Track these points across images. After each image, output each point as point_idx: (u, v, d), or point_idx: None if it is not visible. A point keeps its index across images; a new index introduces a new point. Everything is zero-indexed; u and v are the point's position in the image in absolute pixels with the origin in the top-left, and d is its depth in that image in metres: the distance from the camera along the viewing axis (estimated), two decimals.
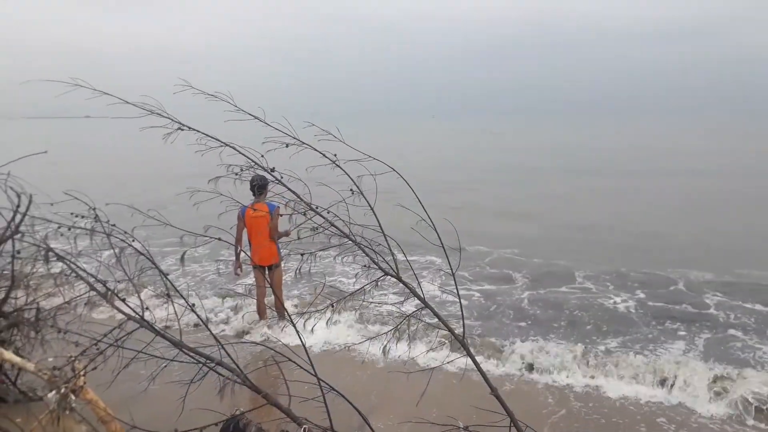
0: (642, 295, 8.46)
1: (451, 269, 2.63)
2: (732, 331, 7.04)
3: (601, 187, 20.85)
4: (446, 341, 6.17)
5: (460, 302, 2.79)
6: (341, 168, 2.68)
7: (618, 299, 8.27)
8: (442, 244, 2.68)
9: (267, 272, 6.65)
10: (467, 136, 57.76)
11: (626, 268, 9.90)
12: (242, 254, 6.65)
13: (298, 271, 2.76)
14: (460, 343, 2.71)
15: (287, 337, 6.26)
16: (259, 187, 6.17)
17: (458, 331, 2.87)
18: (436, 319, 2.69)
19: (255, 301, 6.99)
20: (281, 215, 5.91)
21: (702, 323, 7.33)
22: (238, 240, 6.51)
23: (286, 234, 6.32)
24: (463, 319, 2.91)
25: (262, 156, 2.67)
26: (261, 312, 6.91)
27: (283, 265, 6.75)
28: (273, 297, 7.15)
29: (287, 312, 3.69)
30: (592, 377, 5.70)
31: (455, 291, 2.76)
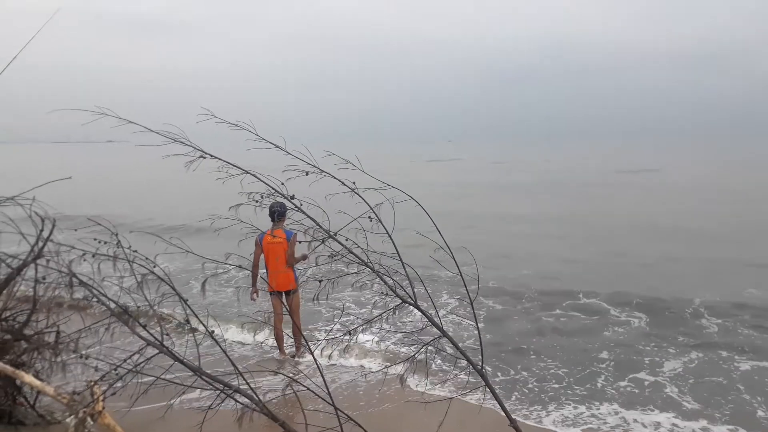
0: None
1: (470, 300, 2.62)
2: None
3: None
4: (464, 370, 6.05)
5: (479, 333, 2.77)
6: (360, 196, 2.70)
7: None
8: (460, 272, 2.68)
9: (284, 298, 6.65)
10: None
11: None
12: (259, 280, 6.66)
13: (315, 298, 2.77)
14: (479, 373, 2.68)
15: (304, 364, 6.24)
16: (278, 214, 6.23)
17: (476, 359, 2.84)
18: (454, 348, 2.67)
19: (273, 327, 6.97)
20: (299, 242, 5.93)
21: None
22: (255, 266, 6.53)
23: (304, 258, 6.33)
24: (481, 348, 2.88)
25: (282, 184, 2.70)
26: (279, 338, 6.88)
27: (300, 291, 6.75)
28: (291, 323, 7.12)
29: (305, 339, 3.69)
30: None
31: (473, 319, 2.74)
